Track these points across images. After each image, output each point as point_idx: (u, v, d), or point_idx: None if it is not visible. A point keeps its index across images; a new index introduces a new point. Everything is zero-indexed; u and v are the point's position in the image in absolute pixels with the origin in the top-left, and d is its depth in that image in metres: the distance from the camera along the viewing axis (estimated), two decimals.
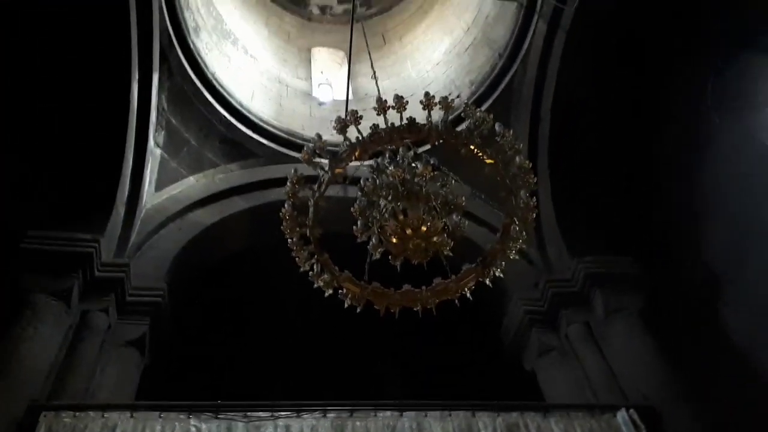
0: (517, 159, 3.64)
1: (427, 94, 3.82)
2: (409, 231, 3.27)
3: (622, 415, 5.03)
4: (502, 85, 7.75)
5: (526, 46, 7.35)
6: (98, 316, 5.65)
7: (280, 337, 8.72)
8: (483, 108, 7.60)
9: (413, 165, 3.57)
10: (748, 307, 5.91)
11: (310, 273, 3.66)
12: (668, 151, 6.84)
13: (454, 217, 3.41)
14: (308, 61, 10.39)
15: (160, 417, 4.60)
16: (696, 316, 6.32)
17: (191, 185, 7.58)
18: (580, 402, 5.55)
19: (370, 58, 6.38)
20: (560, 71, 6.80)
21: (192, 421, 4.59)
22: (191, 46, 7.46)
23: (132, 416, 4.59)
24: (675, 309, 6.29)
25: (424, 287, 3.66)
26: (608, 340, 6.06)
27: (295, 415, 4.74)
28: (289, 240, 3.67)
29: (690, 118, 6.53)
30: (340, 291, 3.65)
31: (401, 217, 3.28)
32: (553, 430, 4.87)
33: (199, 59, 7.63)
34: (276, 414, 4.72)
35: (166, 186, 7.36)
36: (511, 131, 3.75)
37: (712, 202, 6.40)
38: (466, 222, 3.49)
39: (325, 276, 3.63)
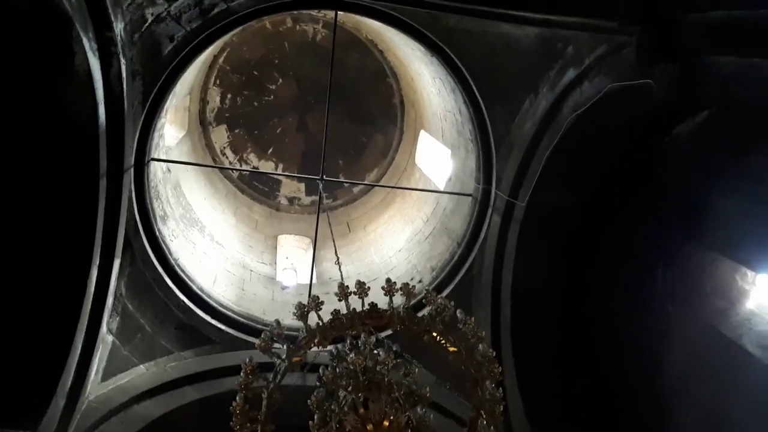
0: (481, 347, 3.59)
1: (388, 280, 3.87)
2: (370, 426, 3.06)
3: None
4: (462, 272, 7.96)
5: (482, 235, 7.73)
6: None
7: None
8: (444, 294, 7.73)
9: (375, 352, 3.47)
10: None
11: None
12: (630, 339, 6.89)
13: (419, 409, 3.22)
14: (274, 248, 10.62)
15: None
16: None
17: (141, 374, 7.13)
18: None
19: (335, 244, 6.58)
20: (516, 259, 7.08)
21: None
22: (157, 233, 7.57)
23: None
24: None
25: None
26: None
27: None
28: None
29: (646, 308, 6.69)
30: None
31: (362, 410, 3.09)
32: None
33: (163, 245, 7.69)
34: None
35: (114, 375, 6.90)
36: (473, 318, 3.75)
37: (675, 389, 6.30)
38: (432, 415, 3.30)
39: None
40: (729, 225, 5.78)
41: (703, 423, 5.87)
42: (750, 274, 5.81)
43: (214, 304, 8.09)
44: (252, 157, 11.97)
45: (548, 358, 6.97)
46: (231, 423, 3.41)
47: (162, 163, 8.07)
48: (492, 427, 3.41)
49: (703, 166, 6.06)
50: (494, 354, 3.61)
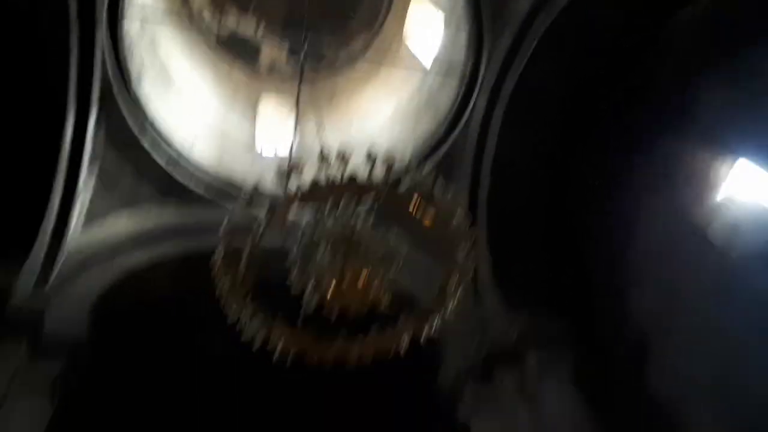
0: (456, 218, 3.70)
1: (369, 152, 3.87)
2: (346, 282, 3.22)
3: None
4: (445, 147, 7.99)
5: (468, 113, 7.67)
6: (8, 356, 5.29)
7: (201, 390, 8.27)
8: (425, 169, 7.81)
9: (354, 217, 3.56)
10: (671, 368, 6.13)
11: (240, 323, 3.51)
12: (601, 218, 7.17)
13: (392, 271, 3.39)
14: (254, 112, 10.40)
15: None
16: (624, 376, 6.48)
17: (122, 226, 7.27)
18: None
19: (317, 113, 6.46)
20: (500, 138, 7.10)
21: None
22: (132, 91, 7.33)
23: None
24: (605, 370, 6.42)
25: (359, 340, 3.57)
26: (540, 396, 6.14)
27: None
28: (218, 287, 3.53)
29: (621, 191, 6.90)
30: (270, 341, 3.50)
31: (339, 266, 3.23)
32: None
33: (139, 105, 7.50)
34: None
35: (95, 225, 7.03)
36: (451, 191, 3.83)
37: (640, 270, 6.70)
38: (405, 276, 3.48)
39: (256, 325, 3.49)
40: (712, 115, 5.83)
41: (662, 302, 6.32)
42: (724, 166, 5.94)
43: (193, 167, 8.08)
44: (232, 15, 11.28)
45: (521, 233, 7.26)
46: (212, 276, 3.56)
47: (137, 18, 7.60)
48: (460, 290, 3.63)
49: (697, 57, 5.97)
50: (469, 224, 3.74)
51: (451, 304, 3.64)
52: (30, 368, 5.43)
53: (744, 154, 5.70)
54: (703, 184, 6.00)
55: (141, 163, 7.54)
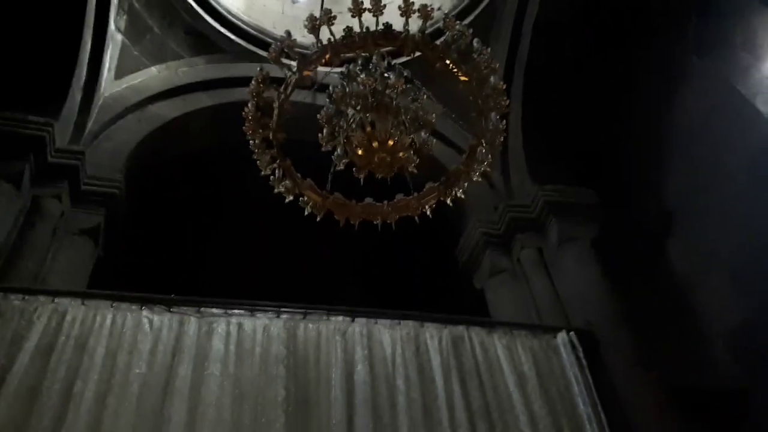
0: (492, 79, 3.55)
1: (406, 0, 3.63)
2: (375, 144, 3.21)
3: (562, 337, 5.29)
4: (486, 1, 7.46)
5: None
6: (51, 202, 5.52)
7: (237, 237, 8.75)
8: (464, 22, 7.33)
9: (386, 75, 3.44)
10: (693, 245, 6.19)
11: (271, 178, 3.59)
12: (641, 88, 6.83)
13: (423, 134, 3.35)
14: None
15: (111, 306, 4.60)
16: (645, 249, 6.58)
17: (153, 76, 7.24)
18: (525, 321, 5.82)
19: None
20: None
21: (144, 313, 4.60)
22: None
23: (83, 304, 4.58)
24: (627, 241, 6.50)
25: (385, 202, 3.65)
26: (558, 267, 6.27)
27: (248, 313, 4.82)
28: (250, 142, 3.57)
29: (669, 55, 6.47)
30: (300, 198, 3.61)
31: (369, 128, 3.20)
32: (496, 345, 5.10)
33: None
34: (229, 312, 4.78)
35: (127, 74, 7.02)
36: (489, 49, 3.63)
37: (676, 141, 6.50)
38: (434, 140, 3.44)
39: (287, 182, 3.58)
40: None
41: (695, 172, 6.19)
42: None
43: (223, 12, 7.77)
44: None
45: (558, 102, 6.96)
46: (243, 127, 3.57)
47: None
48: (489, 156, 3.60)
49: None
50: (504, 87, 3.60)
51: (480, 170, 3.63)
52: (72, 212, 5.69)
53: None
54: (756, 52, 5.56)
55: (169, 5, 7.26)
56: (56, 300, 4.54)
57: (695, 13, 6.16)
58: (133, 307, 4.62)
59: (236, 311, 4.80)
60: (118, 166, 6.28)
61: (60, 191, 5.60)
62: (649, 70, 6.72)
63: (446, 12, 7.47)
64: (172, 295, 4.81)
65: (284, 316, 4.87)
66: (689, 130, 6.33)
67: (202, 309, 4.74)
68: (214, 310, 4.76)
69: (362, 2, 3.42)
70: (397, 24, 3.59)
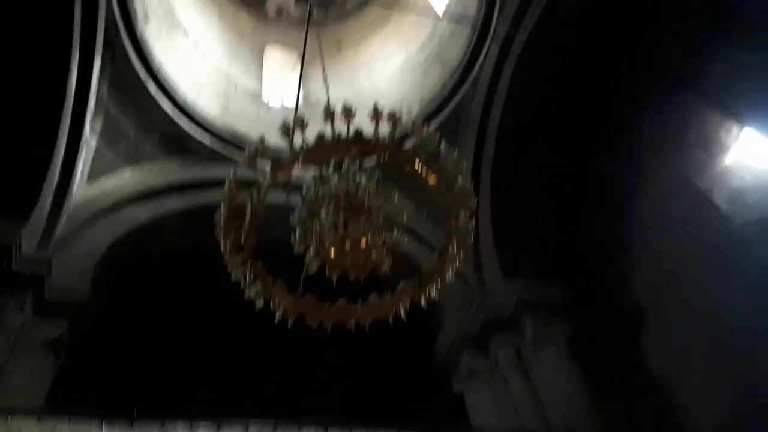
0: (460, 180, 3.64)
1: (375, 108, 3.78)
2: (348, 245, 3.20)
3: None
4: (452, 105, 7.85)
5: (477, 67, 7.47)
6: (12, 312, 5.34)
7: (205, 345, 8.43)
8: (431, 126, 7.57)
9: (357, 177, 3.50)
10: (666, 340, 6.13)
11: (242, 282, 3.51)
12: (604, 184, 7.07)
13: (395, 233, 3.37)
14: (260, 61, 10.19)
15: (69, 422, 4.30)
16: (620, 347, 6.49)
17: (126, 179, 7.26)
18: (505, 426, 5.60)
19: (323, 63, 6.29)
20: (508, 95, 6.95)
21: (104, 430, 4.32)
22: (138, 34, 7.16)
23: (39, 420, 4.28)
24: (601, 339, 6.45)
25: (359, 303, 3.58)
26: (536, 367, 6.18)
27: (215, 428, 4.55)
28: (221, 246, 3.52)
29: (627, 154, 6.78)
30: (272, 302, 3.51)
31: (341, 229, 3.21)
32: None
33: (144, 48, 7.33)
34: (195, 426, 4.51)
35: (100, 176, 7.04)
36: (456, 151, 3.75)
37: (640, 237, 6.64)
38: (406, 239, 3.46)
39: (258, 286, 3.50)
40: (727, 74, 5.65)
41: (662, 270, 6.28)
42: (735, 129, 5.79)
43: (199, 117, 8.00)
44: None
45: (524, 198, 7.19)
46: (215, 233, 3.54)
47: None
48: (461, 253, 3.61)
49: (714, 6, 5.72)
50: (472, 187, 3.69)
51: (452, 269, 3.62)
52: (35, 323, 5.49)
53: (751, 122, 5.56)
54: (709, 150, 5.87)
55: (146, 112, 7.44)
56: (10, 419, 4.23)
57: (650, 113, 6.53)
58: (93, 423, 4.33)
59: (202, 425, 4.53)
60: (87, 271, 6.14)
61: (23, 301, 5.42)
62: (612, 166, 6.98)
63: (415, 117, 7.90)
64: (135, 410, 4.52)
65: (253, 429, 4.61)
66: (652, 224, 6.50)
67: (166, 423, 4.46)
68: (179, 426, 4.48)
69: (334, 110, 3.55)
70: (369, 128, 3.71)
